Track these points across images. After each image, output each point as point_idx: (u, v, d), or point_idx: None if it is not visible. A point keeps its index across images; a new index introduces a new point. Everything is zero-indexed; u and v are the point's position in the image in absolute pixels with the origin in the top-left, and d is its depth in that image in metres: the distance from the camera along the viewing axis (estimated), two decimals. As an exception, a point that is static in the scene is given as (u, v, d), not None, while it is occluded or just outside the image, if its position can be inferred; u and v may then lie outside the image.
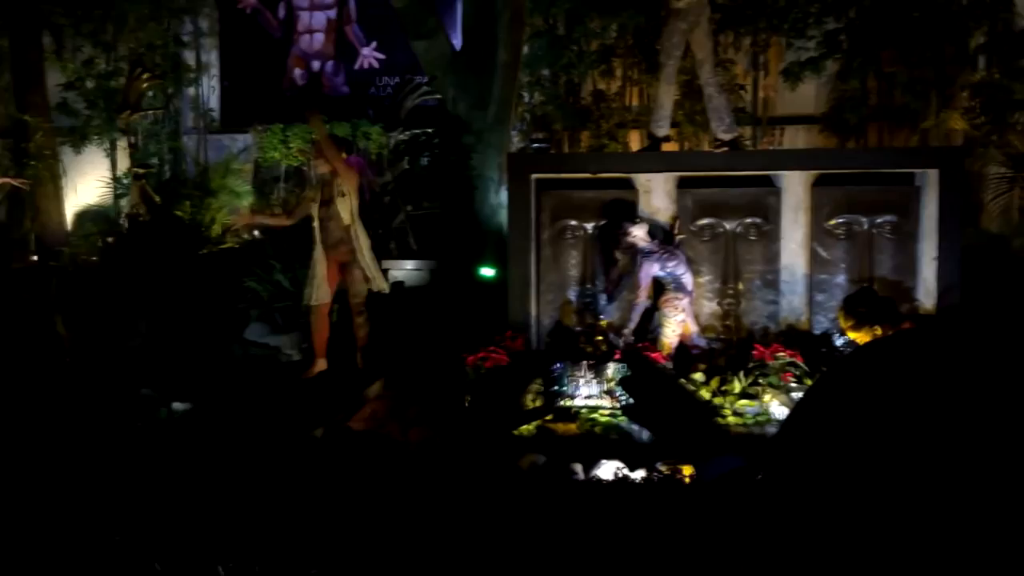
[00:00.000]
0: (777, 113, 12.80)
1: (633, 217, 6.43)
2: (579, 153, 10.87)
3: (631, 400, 1.36)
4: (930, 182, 6.46)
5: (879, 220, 6.49)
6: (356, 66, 13.47)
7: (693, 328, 6.39)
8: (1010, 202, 9.51)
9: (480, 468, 5.01)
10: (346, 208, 6.75)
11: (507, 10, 10.53)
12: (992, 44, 10.74)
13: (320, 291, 6.91)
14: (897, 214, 6.47)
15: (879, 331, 5.11)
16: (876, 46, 11.43)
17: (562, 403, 5.06)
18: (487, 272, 9.74)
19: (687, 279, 6.29)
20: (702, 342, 6.42)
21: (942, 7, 10.73)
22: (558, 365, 5.15)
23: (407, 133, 10.91)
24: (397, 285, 9.48)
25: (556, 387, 5.02)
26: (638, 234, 6.27)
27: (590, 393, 4.91)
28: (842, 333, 6.61)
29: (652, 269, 6.22)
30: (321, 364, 6.92)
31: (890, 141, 11.88)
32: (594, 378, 4.89)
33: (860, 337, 5.25)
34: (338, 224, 6.78)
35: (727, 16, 11.53)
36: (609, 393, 4.95)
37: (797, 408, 0.68)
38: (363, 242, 6.87)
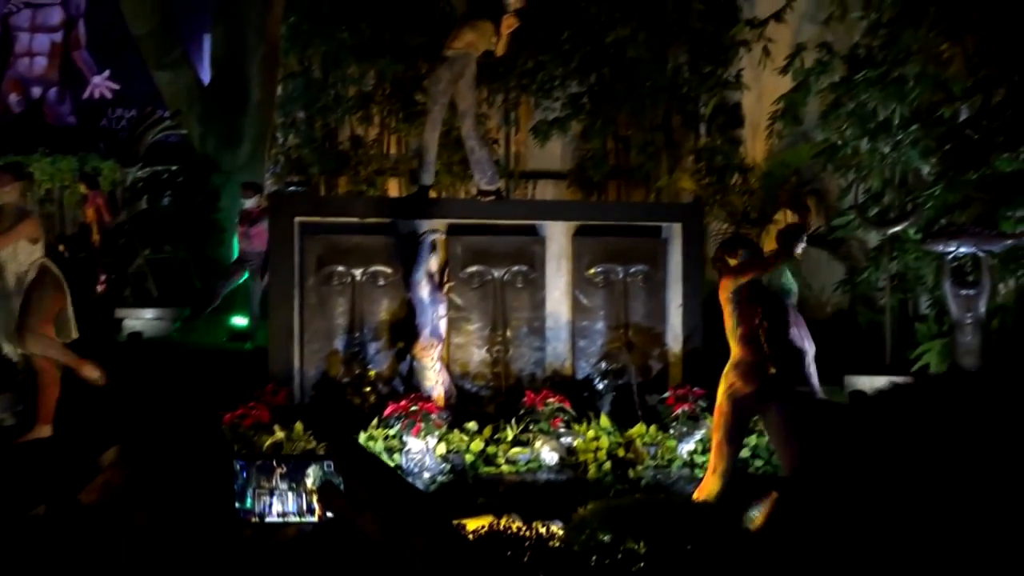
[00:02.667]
0: (528, 167, 13.40)
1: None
2: (349, 197, 10.56)
3: (336, 513, 1.02)
4: (675, 235, 6.98)
5: (633, 269, 6.87)
6: (85, 95, 12.22)
7: (446, 376, 6.26)
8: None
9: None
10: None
11: (260, 47, 10.10)
12: (713, 114, 12.04)
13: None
14: (648, 264, 6.89)
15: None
16: (614, 110, 12.38)
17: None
18: (239, 321, 9.09)
19: (443, 326, 6.20)
20: (452, 390, 6.30)
21: (671, 80, 11.87)
22: (239, 467, 3.87)
23: (146, 170, 9.99)
24: (135, 336, 8.54)
25: (237, 502, 3.72)
26: (431, 262, 6.17)
27: (285, 509, 3.45)
28: (602, 377, 6.90)
29: (425, 283, 6.07)
30: (44, 429, 5.96)
31: (628, 197, 12.85)
32: (289, 487, 3.52)
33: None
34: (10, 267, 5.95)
35: (480, 72, 11.91)
36: (312, 506, 3.68)
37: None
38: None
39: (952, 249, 7.39)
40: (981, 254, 7.36)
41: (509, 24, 6.99)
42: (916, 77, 8.11)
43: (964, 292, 7.39)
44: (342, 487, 1.02)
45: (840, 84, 9.18)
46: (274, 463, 1.08)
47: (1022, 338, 7.90)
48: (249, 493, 1.07)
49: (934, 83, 7.98)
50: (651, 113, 12.23)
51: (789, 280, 8.07)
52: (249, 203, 8.65)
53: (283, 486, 1.09)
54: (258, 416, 5.56)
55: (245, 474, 1.06)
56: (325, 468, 1.09)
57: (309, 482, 1.07)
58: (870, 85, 8.48)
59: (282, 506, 1.08)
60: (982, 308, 7.35)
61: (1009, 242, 7.52)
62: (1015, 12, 6.09)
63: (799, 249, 8.05)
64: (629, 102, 12.03)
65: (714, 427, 4.87)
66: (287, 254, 6.38)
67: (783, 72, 10.03)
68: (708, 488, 4.72)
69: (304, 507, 1.09)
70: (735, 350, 4.72)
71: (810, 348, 7.97)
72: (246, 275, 8.78)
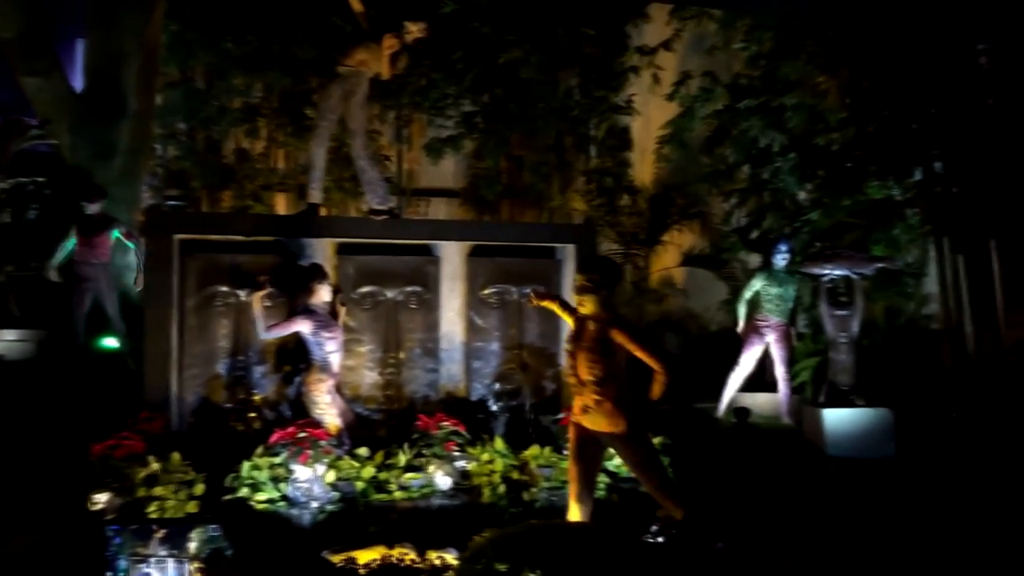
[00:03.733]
0: (421, 185, 13.25)
1: (319, 274, 5.94)
2: (234, 213, 10.12)
3: None
4: (569, 256, 7.03)
5: (528, 290, 6.84)
6: (-60, 99, 11.29)
7: (341, 404, 6.03)
8: (623, 275, 10.78)
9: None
10: None
11: (138, 54, 9.61)
12: (604, 137, 12.26)
13: None
14: (543, 284, 6.85)
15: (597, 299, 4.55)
16: (507, 130, 12.43)
17: None
18: (110, 343, 8.56)
19: (336, 359, 5.94)
20: (350, 415, 6.09)
21: (563, 102, 12.02)
22: (112, 533, 3.36)
23: (10, 181, 9.30)
24: (-7, 360, 7.89)
25: (110, 572, 3.15)
26: (323, 292, 5.86)
27: (165, 580, 3.51)
28: (496, 399, 6.83)
29: (303, 327, 5.76)
30: None
31: (521, 216, 12.90)
32: (169, 554, 3.18)
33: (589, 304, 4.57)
34: None
35: (373, 88, 11.73)
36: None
37: None
38: None
39: (827, 271, 7.76)
40: (854, 276, 7.75)
41: (390, 45, 6.94)
42: (794, 107, 8.51)
43: (838, 312, 7.76)
44: (230, 554, 0.91)
45: (723, 112, 9.53)
46: (152, 527, 0.95)
47: (891, 356, 8.35)
48: (123, 561, 0.93)
49: (811, 113, 8.38)
50: (544, 134, 12.33)
51: (792, 286, 8.16)
52: (93, 208, 8.10)
53: (162, 552, 0.95)
54: (131, 446, 5.20)
55: (118, 540, 0.92)
56: (210, 532, 0.96)
57: (192, 547, 0.94)
58: (751, 113, 8.84)
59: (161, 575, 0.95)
60: (855, 327, 7.73)
61: (879, 265, 7.96)
62: (885, 50, 6.48)
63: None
64: (522, 123, 12.09)
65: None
66: (164, 274, 6.04)
67: (670, 98, 10.34)
68: (571, 515, 4.64)
69: None
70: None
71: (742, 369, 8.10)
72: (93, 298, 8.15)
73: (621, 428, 4.47)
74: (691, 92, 10.14)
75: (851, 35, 7.03)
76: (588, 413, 4.54)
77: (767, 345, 8.02)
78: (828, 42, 7.35)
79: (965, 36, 6.19)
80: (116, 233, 8.06)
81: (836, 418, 7.39)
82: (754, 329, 8.03)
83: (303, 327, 5.77)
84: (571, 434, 4.68)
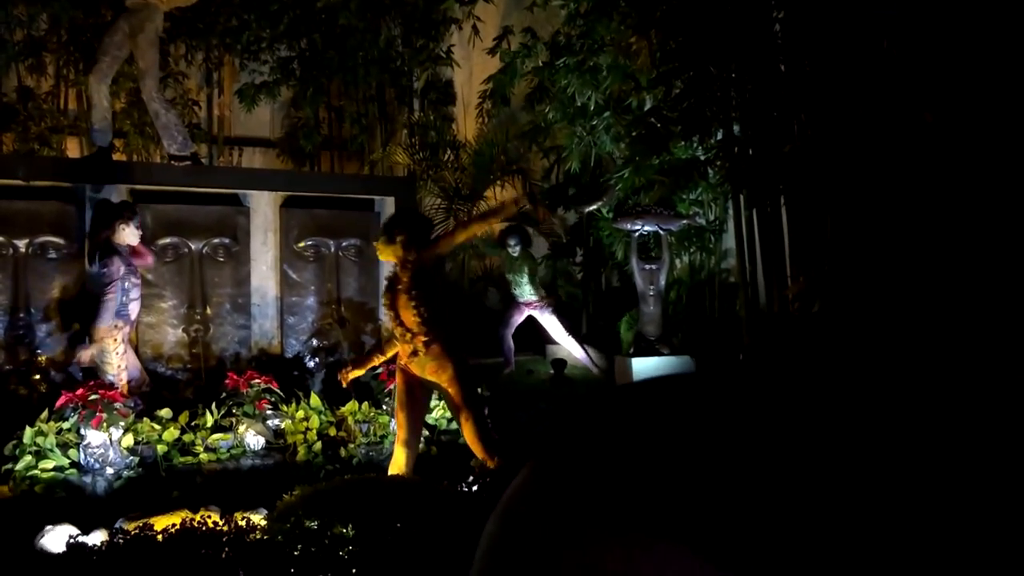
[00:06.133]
0: (234, 133, 12.53)
1: (126, 214, 5.46)
2: (12, 156, 9.09)
3: None
4: (388, 209, 6.91)
5: (345, 243, 6.70)
6: None
7: (133, 360, 5.67)
8: (447, 229, 10.73)
9: None
10: None
11: None
12: (426, 90, 12.09)
13: None
14: (360, 237, 6.76)
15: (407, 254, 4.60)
16: (326, 79, 11.95)
17: None
18: None
19: (135, 308, 5.57)
20: (143, 376, 5.72)
21: (384, 52, 11.71)
22: None
23: None
24: None
25: None
26: (127, 234, 5.40)
27: None
28: (313, 355, 6.66)
29: (119, 271, 5.35)
30: None
31: (342, 169, 12.51)
32: None
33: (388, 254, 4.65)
34: None
35: (177, 26, 10.88)
36: None
37: None
38: None
39: (638, 227, 8.10)
40: (662, 232, 8.15)
41: None
42: (609, 67, 8.71)
43: (647, 266, 8.13)
44: None
45: (543, 69, 9.63)
46: None
47: (693, 308, 8.88)
48: None
49: (624, 73, 8.62)
50: (364, 84, 11.97)
51: (523, 273, 8.40)
52: None
53: None
54: None
55: None
56: None
57: None
58: (569, 72, 8.97)
59: None
60: (662, 281, 8.15)
61: (684, 222, 8.40)
62: (692, 12, 6.75)
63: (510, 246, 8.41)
64: (341, 72, 11.67)
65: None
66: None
67: (491, 53, 10.33)
68: (396, 460, 4.74)
69: None
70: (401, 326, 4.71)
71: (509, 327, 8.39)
72: None
73: (448, 371, 4.57)
74: (512, 48, 10.17)
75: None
76: (416, 358, 4.58)
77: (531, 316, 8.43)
78: (639, 4, 7.57)
79: (760, 4, 6.58)
80: None
81: (643, 367, 7.79)
82: (515, 304, 8.43)
83: (119, 266, 5.34)
84: (398, 381, 4.74)
